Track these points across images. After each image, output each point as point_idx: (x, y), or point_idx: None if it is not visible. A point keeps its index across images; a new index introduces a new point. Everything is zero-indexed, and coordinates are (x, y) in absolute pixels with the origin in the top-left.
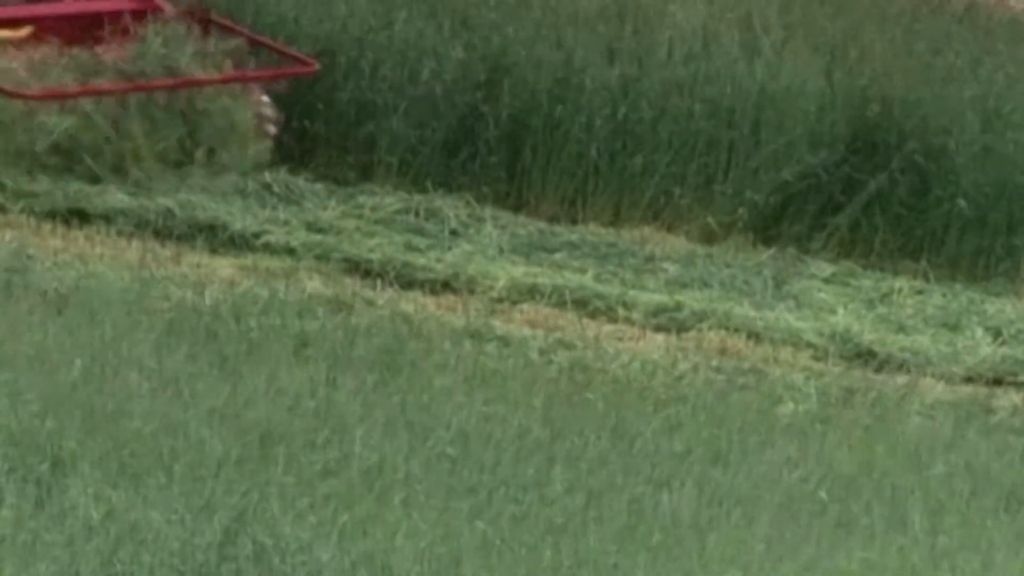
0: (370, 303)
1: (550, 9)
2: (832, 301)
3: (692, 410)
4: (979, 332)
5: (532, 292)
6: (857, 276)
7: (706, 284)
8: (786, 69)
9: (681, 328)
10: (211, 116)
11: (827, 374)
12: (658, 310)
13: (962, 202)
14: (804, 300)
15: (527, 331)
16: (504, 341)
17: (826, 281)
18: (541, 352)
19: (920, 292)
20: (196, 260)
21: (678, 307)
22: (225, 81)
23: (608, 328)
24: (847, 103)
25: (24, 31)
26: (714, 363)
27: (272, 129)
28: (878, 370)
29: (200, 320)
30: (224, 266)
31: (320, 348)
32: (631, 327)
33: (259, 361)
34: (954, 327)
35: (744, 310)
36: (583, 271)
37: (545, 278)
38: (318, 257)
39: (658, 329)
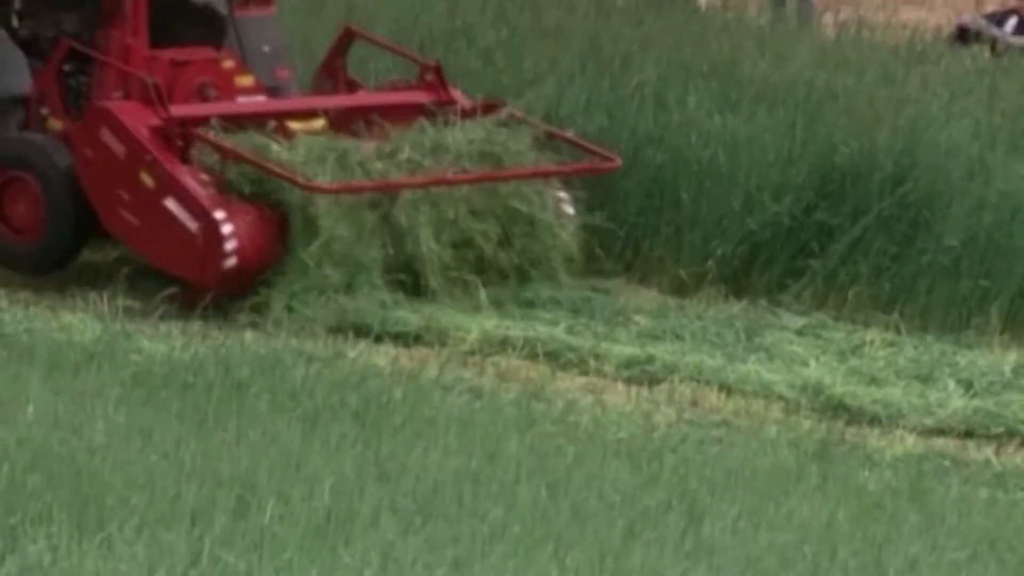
0: (342, 355)
1: (526, 60)
2: (804, 353)
3: (663, 463)
4: (951, 384)
5: (504, 344)
6: (829, 328)
7: (678, 336)
8: (753, 118)
9: (653, 380)
10: (512, 212)
11: (799, 427)
12: (630, 362)
13: (944, 260)
14: (776, 352)
15: (499, 383)
16: (476, 393)
17: (798, 333)
18: (513, 404)
19: (892, 344)
20: (170, 313)
21: (650, 359)
22: (527, 176)
23: (580, 380)
24: (814, 150)
25: (318, 123)
26: (686, 415)
27: (572, 226)
28: (850, 422)
29: (170, 372)
30: (194, 318)
31: (292, 400)
32: (603, 379)
33: (230, 413)
34: (926, 379)
35: (716, 362)
36: (555, 323)
37: (517, 330)
38: (289, 309)
39: (630, 381)
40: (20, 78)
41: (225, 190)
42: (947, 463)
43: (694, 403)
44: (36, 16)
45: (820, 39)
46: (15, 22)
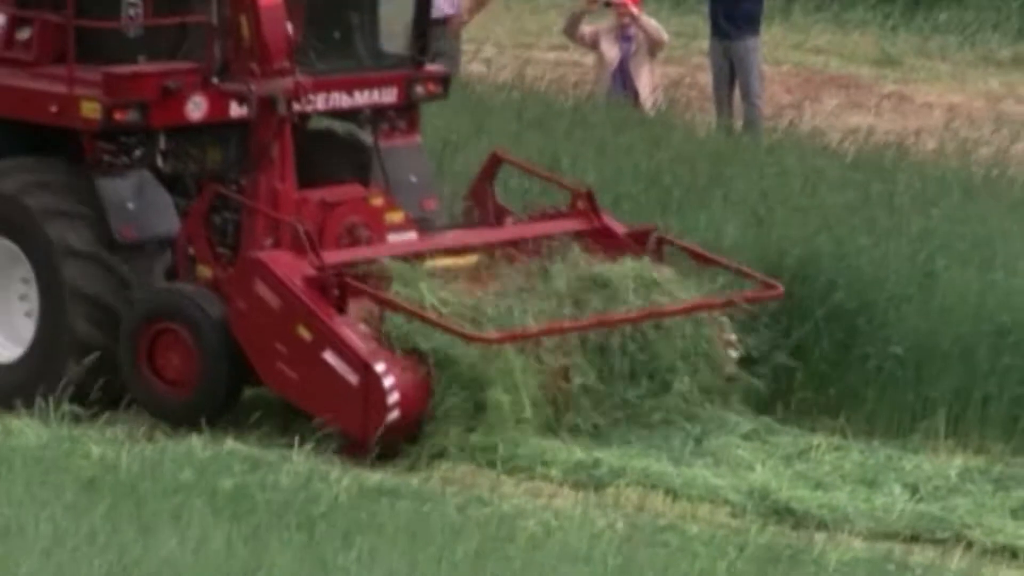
0: (287, 460)
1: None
2: (750, 458)
3: (609, 567)
4: (897, 489)
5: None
6: (775, 432)
7: (624, 440)
8: (702, 221)
9: (599, 485)
10: (677, 346)
11: (745, 531)
12: (576, 467)
13: (888, 366)
14: (722, 456)
15: (445, 489)
16: (421, 498)
17: (745, 437)
18: (458, 509)
19: (838, 448)
20: (115, 418)
21: (596, 464)
22: (689, 310)
23: (526, 485)
24: (762, 256)
25: (471, 259)
26: (632, 520)
27: (735, 354)
28: (796, 527)
29: (118, 477)
30: (142, 423)
31: (238, 505)
32: (549, 484)
33: (177, 518)
34: (872, 483)
35: (662, 466)
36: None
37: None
38: (234, 413)
39: (576, 486)
40: (168, 221)
41: (385, 340)
42: (893, 567)
43: (640, 508)
44: (179, 153)
45: (767, 144)
46: (160, 161)
